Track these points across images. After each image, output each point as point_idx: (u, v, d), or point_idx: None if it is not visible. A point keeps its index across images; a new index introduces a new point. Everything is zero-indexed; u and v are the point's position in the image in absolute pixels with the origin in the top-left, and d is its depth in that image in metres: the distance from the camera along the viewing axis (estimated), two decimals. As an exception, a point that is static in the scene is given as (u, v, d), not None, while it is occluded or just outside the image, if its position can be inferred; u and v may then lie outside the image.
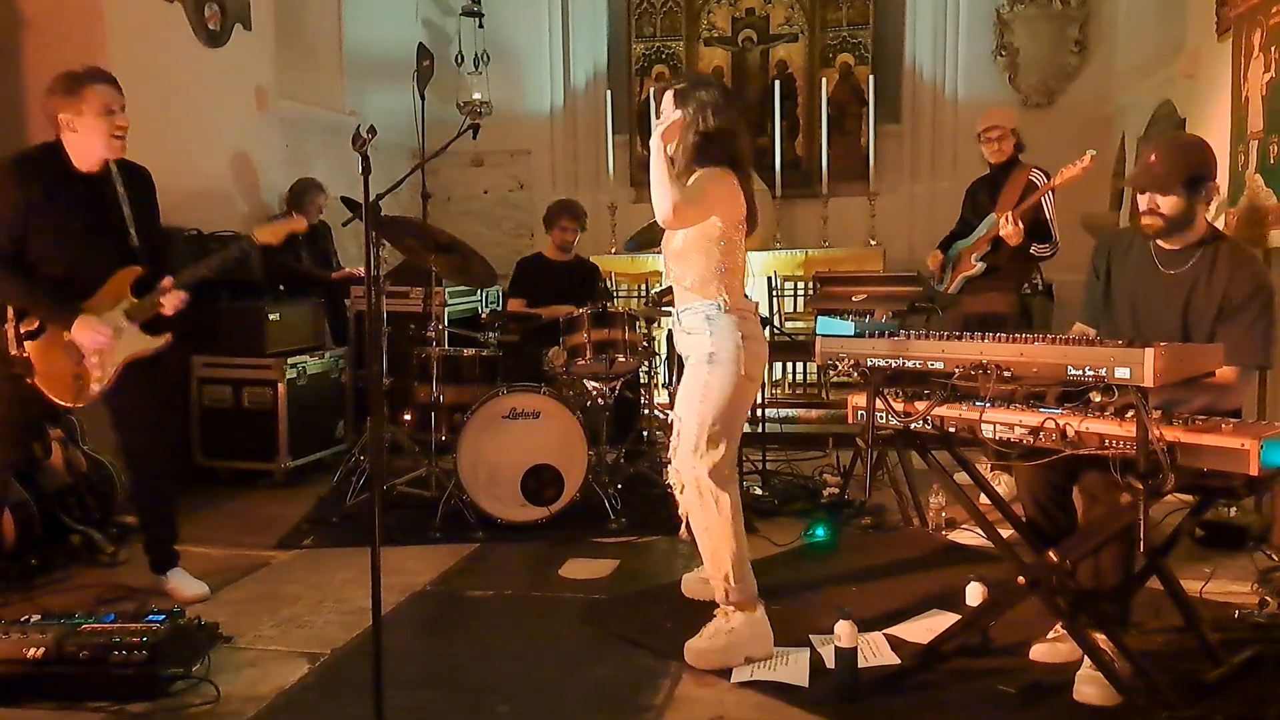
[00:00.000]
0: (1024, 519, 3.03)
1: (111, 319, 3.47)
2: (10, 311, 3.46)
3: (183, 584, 3.70)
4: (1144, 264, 3.01)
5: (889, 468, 4.83)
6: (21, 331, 3.46)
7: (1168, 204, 2.86)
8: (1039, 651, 2.89)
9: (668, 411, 3.30)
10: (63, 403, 3.53)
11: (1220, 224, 4.12)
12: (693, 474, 3.11)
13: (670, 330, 3.52)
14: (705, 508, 3.12)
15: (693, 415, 3.11)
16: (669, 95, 3.21)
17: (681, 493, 3.22)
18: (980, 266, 4.91)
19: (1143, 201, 2.92)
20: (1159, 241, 2.96)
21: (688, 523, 3.27)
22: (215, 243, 5.63)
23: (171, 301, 3.54)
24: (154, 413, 3.69)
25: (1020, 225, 4.67)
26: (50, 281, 3.44)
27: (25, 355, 3.46)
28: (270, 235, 3.78)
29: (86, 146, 3.43)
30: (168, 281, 3.54)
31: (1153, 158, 2.93)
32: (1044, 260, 4.97)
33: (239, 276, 5.45)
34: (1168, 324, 2.92)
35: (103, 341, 3.44)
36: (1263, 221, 4.32)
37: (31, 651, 2.83)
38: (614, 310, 4.80)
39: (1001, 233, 4.71)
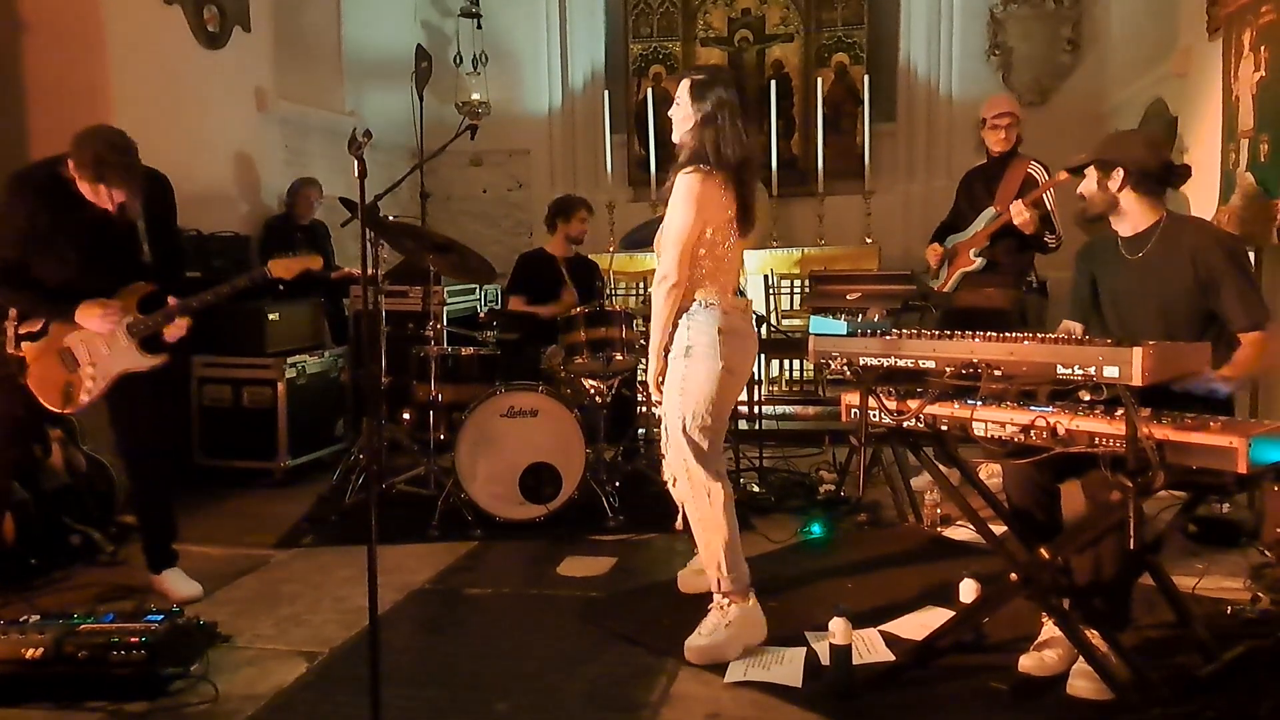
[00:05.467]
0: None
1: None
2: (12, 311, 3.49)
3: (177, 584, 3.71)
4: (1114, 258, 3.07)
5: (884, 464, 4.85)
6: (21, 332, 3.49)
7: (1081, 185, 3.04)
8: (1027, 664, 2.90)
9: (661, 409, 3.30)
10: (50, 408, 3.55)
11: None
12: (683, 467, 3.13)
13: None
14: (698, 499, 3.14)
15: (674, 410, 3.13)
16: (685, 85, 3.20)
17: (674, 485, 3.23)
18: (980, 262, 4.87)
19: None
20: (1119, 231, 3.05)
21: (684, 514, 3.27)
22: (215, 243, 5.66)
23: (174, 332, 3.59)
24: (153, 415, 3.70)
25: (1034, 212, 4.60)
26: (54, 292, 3.45)
27: (20, 355, 3.49)
28: (284, 270, 3.78)
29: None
30: (174, 304, 3.56)
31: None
32: (1051, 251, 4.86)
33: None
34: (1142, 309, 2.96)
35: (111, 321, 3.45)
36: (1254, 219, 4.34)
37: (30, 652, 2.84)
38: (611, 308, 4.80)
39: (1016, 221, 4.63)
